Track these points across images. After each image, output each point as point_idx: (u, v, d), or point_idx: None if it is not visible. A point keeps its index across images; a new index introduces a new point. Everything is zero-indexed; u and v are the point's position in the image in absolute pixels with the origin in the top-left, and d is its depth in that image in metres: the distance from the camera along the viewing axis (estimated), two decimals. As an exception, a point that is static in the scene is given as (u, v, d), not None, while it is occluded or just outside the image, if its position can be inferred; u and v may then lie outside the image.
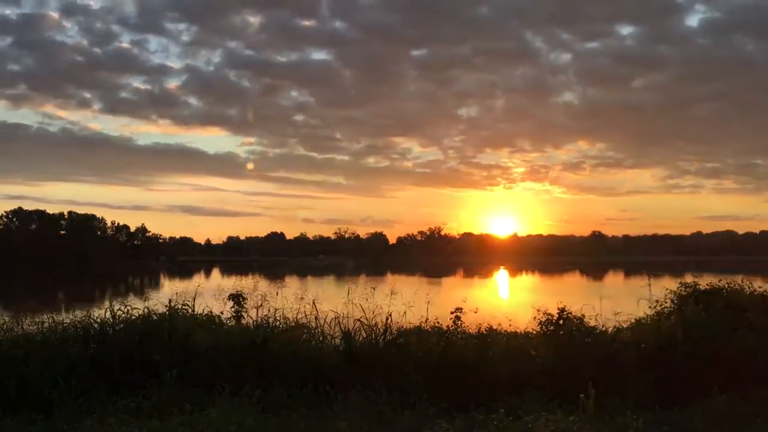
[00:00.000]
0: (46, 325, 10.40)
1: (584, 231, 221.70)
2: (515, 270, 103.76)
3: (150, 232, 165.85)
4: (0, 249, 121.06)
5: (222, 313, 10.97)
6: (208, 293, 11.98)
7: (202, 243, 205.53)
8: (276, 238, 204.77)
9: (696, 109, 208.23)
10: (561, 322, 10.50)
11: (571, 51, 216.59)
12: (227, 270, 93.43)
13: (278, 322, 10.63)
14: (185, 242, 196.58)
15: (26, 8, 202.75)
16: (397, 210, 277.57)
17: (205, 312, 10.83)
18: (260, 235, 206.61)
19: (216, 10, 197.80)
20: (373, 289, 12.31)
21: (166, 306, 10.55)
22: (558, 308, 10.71)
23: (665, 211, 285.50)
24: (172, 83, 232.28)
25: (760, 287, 11.12)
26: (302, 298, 11.48)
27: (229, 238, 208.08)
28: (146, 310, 10.40)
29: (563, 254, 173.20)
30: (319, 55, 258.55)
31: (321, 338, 10.51)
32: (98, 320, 10.35)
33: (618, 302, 11.82)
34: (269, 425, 7.31)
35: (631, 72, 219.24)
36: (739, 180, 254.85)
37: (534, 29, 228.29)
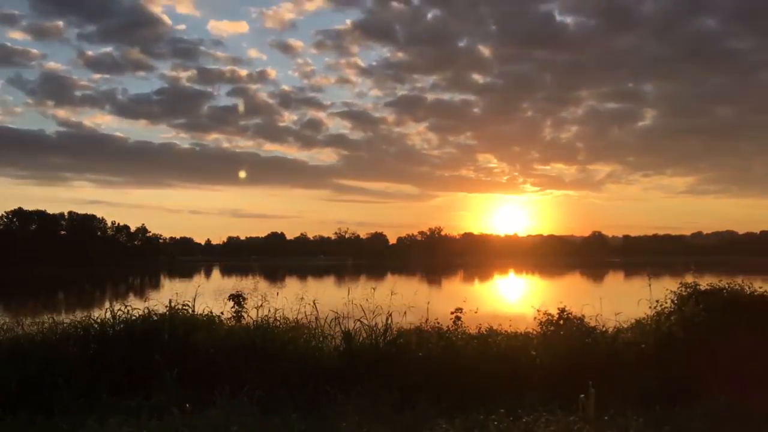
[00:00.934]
0: (46, 325, 10.40)
1: (584, 231, 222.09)
2: (515, 270, 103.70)
3: (150, 232, 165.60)
4: (0, 249, 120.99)
5: (222, 313, 10.98)
6: (208, 293, 11.98)
7: (203, 243, 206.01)
8: (276, 238, 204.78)
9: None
10: (561, 322, 10.50)
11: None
12: (227, 270, 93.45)
13: (278, 323, 10.63)
14: (186, 242, 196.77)
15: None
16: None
17: (205, 312, 10.83)
18: (260, 236, 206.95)
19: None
20: (374, 289, 12.33)
21: (166, 306, 10.55)
22: (558, 309, 10.72)
23: (665, 212, 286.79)
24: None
25: (760, 287, 11.10)
26: (302, 299, 11.48)
27: (230, 239, 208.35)
28: (146, 311, 10.41)
29: (563, 254, 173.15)
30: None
31: (321, 338, 10.51)
32: (98, 320, 10.36)
33: (618, 303, 11.82)
34: (269, 425, 7.30)
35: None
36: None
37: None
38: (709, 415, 7.91)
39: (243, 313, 11.05)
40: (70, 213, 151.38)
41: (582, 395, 7.22)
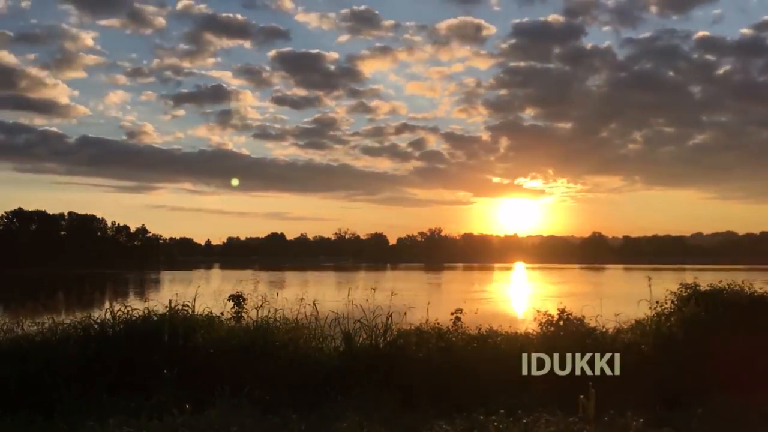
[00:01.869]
0: (46, 325, 10.38)
1: (584, 232, 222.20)
2: (515, 270, 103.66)
3: (150, 232, 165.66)
4: (0, 249, 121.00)
5: (222, 313, 10.96)
6: (208, 294, 11.97)
7: (203, 244, 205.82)
8: (276, 238, 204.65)
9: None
10: (561, 323, 10.49)
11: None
12: (227, 270, 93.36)
13: (278, 323, 10.62)
14: (186, 243, 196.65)
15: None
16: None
17: (205, 313, 10.82)
18: (260, 236, 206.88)
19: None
20: (374, 290, 12.33)
21: (166, 307, 10.54)
22: (558, 309, 10.70)
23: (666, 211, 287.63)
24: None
25: (760, 288, 11.10)
26: (302, 299, 11.48)
27: (230, 239, 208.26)
28: (146, 311, 10.40)
29: (564, 255, 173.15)
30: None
31: (321, 339, 10.51)
32: (98, 321, 10.35)
33: (618, 303, 11.81)
34: (269, 426, 7.30)
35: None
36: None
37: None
38: (710, 415, 7.90)
39: (243, 314, 11.04)
40: (70, 213, 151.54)
41: (582, 396, 7.20)
